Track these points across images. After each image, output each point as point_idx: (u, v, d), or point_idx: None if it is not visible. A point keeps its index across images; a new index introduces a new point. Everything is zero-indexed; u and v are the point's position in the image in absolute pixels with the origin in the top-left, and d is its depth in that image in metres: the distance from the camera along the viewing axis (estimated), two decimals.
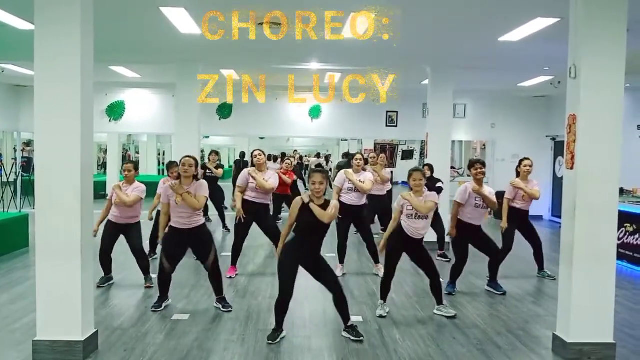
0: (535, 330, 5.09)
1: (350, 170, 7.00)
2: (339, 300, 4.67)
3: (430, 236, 8.02)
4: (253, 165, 6.81)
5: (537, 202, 12.85)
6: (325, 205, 4.51)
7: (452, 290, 6.18)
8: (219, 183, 10.30)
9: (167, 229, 5.31)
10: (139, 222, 6.23)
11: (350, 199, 6.87)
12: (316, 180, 4.47)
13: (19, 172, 12.93)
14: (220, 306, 5.43)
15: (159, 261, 5.35)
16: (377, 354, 4.41)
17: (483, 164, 6.02)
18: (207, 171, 9.79)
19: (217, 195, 9.82)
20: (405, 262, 5.50)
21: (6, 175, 12.43)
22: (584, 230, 4.32)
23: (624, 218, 7.47)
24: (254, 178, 6.55)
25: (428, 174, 7.58)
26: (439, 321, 5.26)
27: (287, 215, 4.72)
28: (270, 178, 6.63)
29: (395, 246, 5.28)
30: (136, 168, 6.34)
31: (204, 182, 5.36)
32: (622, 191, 8.09)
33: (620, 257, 7.24)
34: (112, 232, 6.11)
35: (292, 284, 4.56)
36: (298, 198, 4.59)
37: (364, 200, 6.98)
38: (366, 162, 8.21)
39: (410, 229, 5.16)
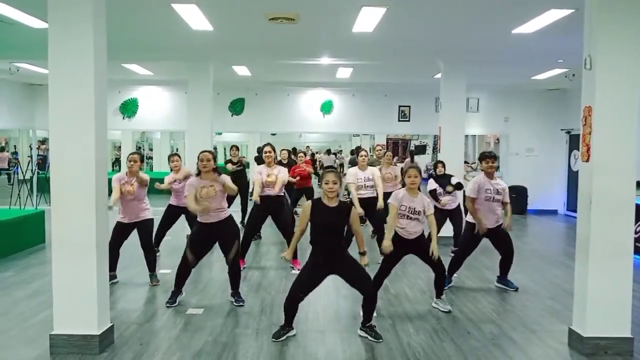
0: (550, 324, 5.05)
1: (354, 170, 7.39)
2: (369, 303, 4.56)
3: (446, 231, 8.01)
4: (262, 161, 6.88)
5: (552, 196, 12.79)
6: (340, 207, 4.41)
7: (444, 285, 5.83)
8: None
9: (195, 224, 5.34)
10: (152, 220, 6.12)
11: (360, 193, 7.17)
12: (329, 179, 4.32)
13: (35, 170, 13.08)
14: (233, 300, 5.46)
15: (182, 254, 5.34)
16: (391, 348, 4.40)
17: (494, 157, 6.00)
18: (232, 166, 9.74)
19: (243, 190, 9.65)
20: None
21: (22, 172, 12.59)
22: (600, 224, 4.26)
23: None
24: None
25: (442, 171, 7.56)
26: (453, 316, 5.23)
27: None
28: (280, 172, 6.70)
29: (395, 248, 5.21)
30: (142, 159, 6.14)
31: (226, 176, 5.31)
32: (639, 184, 7.95)
33: (637, 251, 7.13)
34: (122, 230, 5.92)
35: (305, 292, 4.51)
36: (307, 202, 4.50)
37: (374, 193, 7.23)
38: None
39: (402, 231, 5.10)
